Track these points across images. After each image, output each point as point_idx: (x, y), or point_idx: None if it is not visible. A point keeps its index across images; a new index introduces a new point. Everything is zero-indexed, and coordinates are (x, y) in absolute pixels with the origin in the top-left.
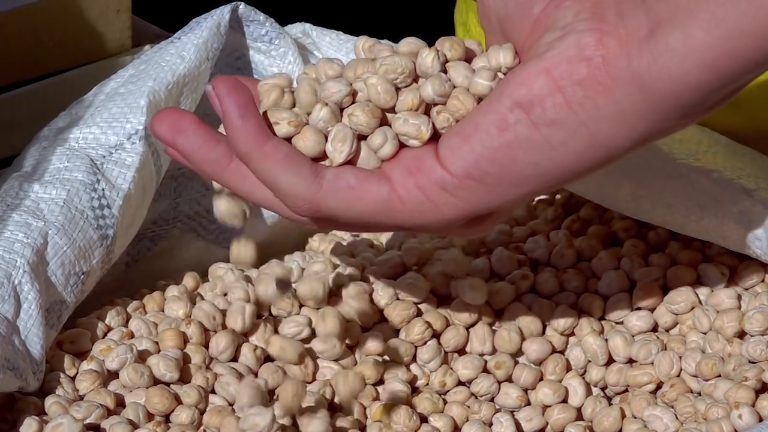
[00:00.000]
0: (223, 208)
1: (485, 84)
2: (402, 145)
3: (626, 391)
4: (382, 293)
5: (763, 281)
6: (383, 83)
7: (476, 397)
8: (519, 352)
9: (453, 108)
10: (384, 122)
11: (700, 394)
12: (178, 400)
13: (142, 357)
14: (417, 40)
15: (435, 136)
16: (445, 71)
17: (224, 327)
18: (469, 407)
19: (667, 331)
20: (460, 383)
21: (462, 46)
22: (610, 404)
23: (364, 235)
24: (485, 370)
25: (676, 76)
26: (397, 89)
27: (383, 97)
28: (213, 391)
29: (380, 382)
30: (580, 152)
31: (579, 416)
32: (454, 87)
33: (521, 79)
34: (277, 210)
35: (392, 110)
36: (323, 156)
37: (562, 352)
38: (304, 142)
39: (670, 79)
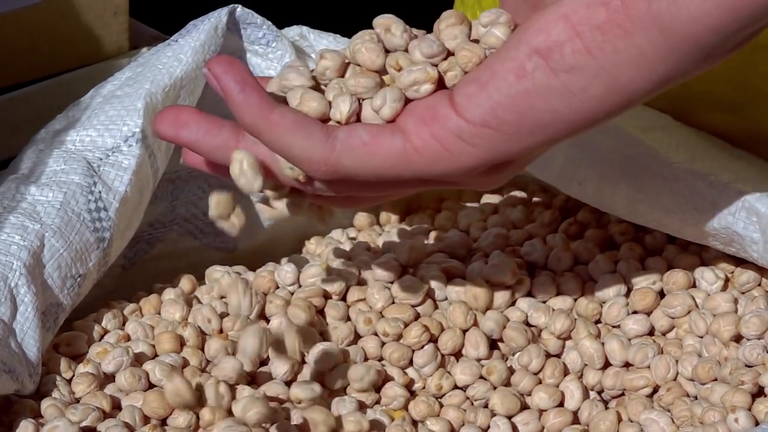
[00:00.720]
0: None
1: (499, 36)
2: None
3: (623, 394)
4: (378, 296)
5: (759, 285)
6: (367, 43)
7: (472, 402)
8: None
9: (464, 60)
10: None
11: (696, 398)
12: None
13: (138, 360)
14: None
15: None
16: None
17: (221, 331)
18: (465, 411)
19: (664, 334)
20: (456, 387)
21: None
22: (606, 408)
23: (361, 238)
24: (482, 376)
25: (696, 16)
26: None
27: (369, 57)
28: None
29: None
30: (599, 98)
31: (575, 420)
32: (445, 48)
33: (539, 26)
34: (290, 181)
35: (384, 71)
36: (328, 120)
37: (558, 356)
38: (308, 102)
39: (690, 19)
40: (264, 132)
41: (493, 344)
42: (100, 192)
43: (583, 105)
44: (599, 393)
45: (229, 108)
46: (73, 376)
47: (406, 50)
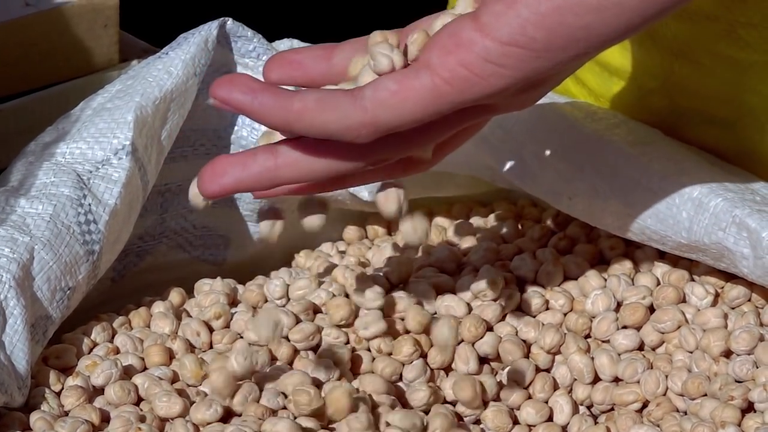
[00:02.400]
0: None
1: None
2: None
3: (612, 409)
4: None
5: (749, 300)
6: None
7: (461, 418)
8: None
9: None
10: None
11: (686, 413)
12: None
13: (127, 373)
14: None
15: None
16: None
17: (211, 346)
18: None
19: (654, 349)
20: (446, 401)
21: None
22: (596, 423)
23: (350, 252)
24: None
25: None
26: None
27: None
28: None
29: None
30: (635, 9)
31: None
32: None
33: None
34: (346, 168)
35: None
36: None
37: (548, 371)
38: None
39: None
40: (294, 124)
41: (482, 359)
42: (89, 205)
43: (617, 18)
44: (589, 408)
45: (254, 120)
46: (62, 388)
47: None
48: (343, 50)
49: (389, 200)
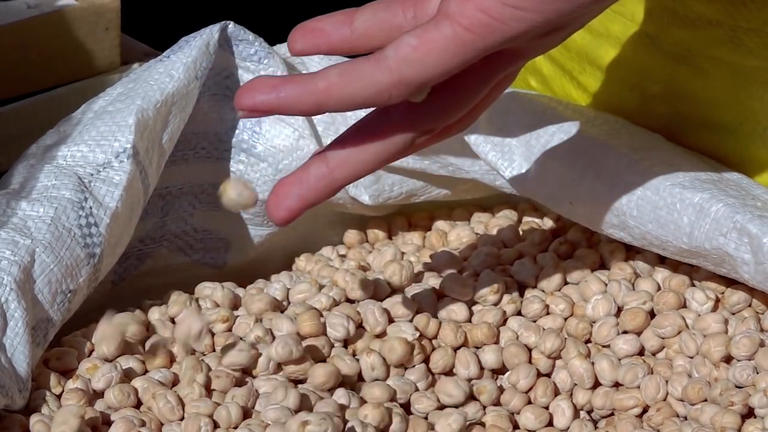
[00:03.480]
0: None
1: None
2: None
3: (612, 414)
4: (369, 315)
5: (750, 306)
6: None
7: None
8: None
9: None
10: None
11: (686, 419)
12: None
13: (127, 376)
14: None
15: None
16: None
17: (213, 349)
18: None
19: (654, 354)
20: (446, 406)
21: None
22: (596, 428)
23: (351, 256)
24: (473, 395)
25: None
26: None
27: None
28: None
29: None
30: None
31: None
32: None
33: None
34: (395, 147)
35: None
36: None
37: (548, 375)
38: None
39: None
40: (325, 103)
41: (482, 363)
42: (90, 208)
43: None
44: (589, 413)
45: (287, 114)
46: (63, 391)
47: None
48: (363, 14)
49: None
